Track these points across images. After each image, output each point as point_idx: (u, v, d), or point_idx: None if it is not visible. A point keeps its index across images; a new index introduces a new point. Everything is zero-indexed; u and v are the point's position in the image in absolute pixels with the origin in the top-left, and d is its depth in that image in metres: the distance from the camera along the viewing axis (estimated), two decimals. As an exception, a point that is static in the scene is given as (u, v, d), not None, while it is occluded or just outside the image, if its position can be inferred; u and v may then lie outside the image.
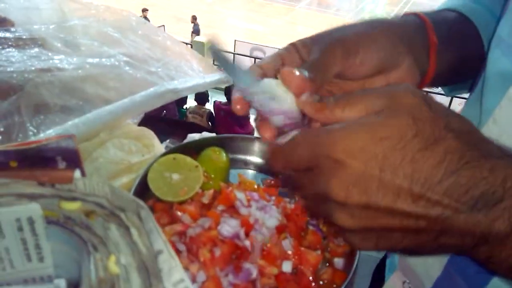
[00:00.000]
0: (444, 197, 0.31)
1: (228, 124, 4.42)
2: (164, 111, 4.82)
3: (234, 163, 0.76)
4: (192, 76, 0.87)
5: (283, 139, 0.39)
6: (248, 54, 8.61)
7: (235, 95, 0.41)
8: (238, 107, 0.41)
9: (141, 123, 0.89)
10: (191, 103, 5.34)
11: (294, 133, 0.39)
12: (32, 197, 0.40)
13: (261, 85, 0.39)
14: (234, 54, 8.42)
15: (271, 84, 0.39)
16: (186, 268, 0.53)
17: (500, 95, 0.46)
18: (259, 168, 0.77)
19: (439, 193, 0.31)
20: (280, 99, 0.39)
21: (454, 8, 0.58)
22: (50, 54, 0.78)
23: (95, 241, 0.36)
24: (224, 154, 0.72)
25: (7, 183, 0.39)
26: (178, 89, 0.78)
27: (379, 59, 0.45)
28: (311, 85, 0.40)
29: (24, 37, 0.85)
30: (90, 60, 0.79)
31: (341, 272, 0.58)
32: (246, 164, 0.77)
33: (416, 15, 0.53)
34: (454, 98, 6.05)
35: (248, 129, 4.48)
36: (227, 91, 4.56)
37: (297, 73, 0.39)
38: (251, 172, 0.77)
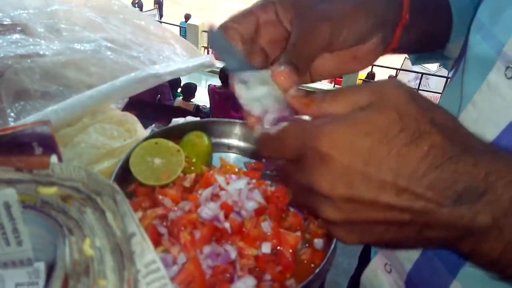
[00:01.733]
0: (427, 191, 0.32)
1: (223, 108, 4.38)
2: (159, 96, 4.79)
3: (218, 147, 0.77)
4: (175, 60, 0.87)
5: (274, 128, 0.40)
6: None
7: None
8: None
9: (125, 108, 0.89)
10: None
11: (284, 123, 0.39)
12: (9, 183, 0.41)
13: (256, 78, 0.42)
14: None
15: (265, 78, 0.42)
16: (167, 251, 0.54)
17: (480, 80, 0.46)
18: (242, 152, 0.78)
19: (423, 186, 0.32)
20: (271, 96, 0.42)
21: None
22: (30, 39, 0.78)
23: (70, 225, 0.37)
24: (206, 138, 0.72)
25: (-16, 169, 0.40)
26: (159, 73, 0.78)
27: (356, 38, 0.46)
28: (298, 77, 0.41)
29: (5, 22, 0.84)
30: (71, 45, 0.78)
31: (320, 252, 0.60)
32: (229, 148, 0.78)
33: None
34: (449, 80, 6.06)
35: (243, 113, 4.43)
36: (222, 75, 4.52)
37: (287, 71, 0.41)
38: (234, 155, 0.78)
